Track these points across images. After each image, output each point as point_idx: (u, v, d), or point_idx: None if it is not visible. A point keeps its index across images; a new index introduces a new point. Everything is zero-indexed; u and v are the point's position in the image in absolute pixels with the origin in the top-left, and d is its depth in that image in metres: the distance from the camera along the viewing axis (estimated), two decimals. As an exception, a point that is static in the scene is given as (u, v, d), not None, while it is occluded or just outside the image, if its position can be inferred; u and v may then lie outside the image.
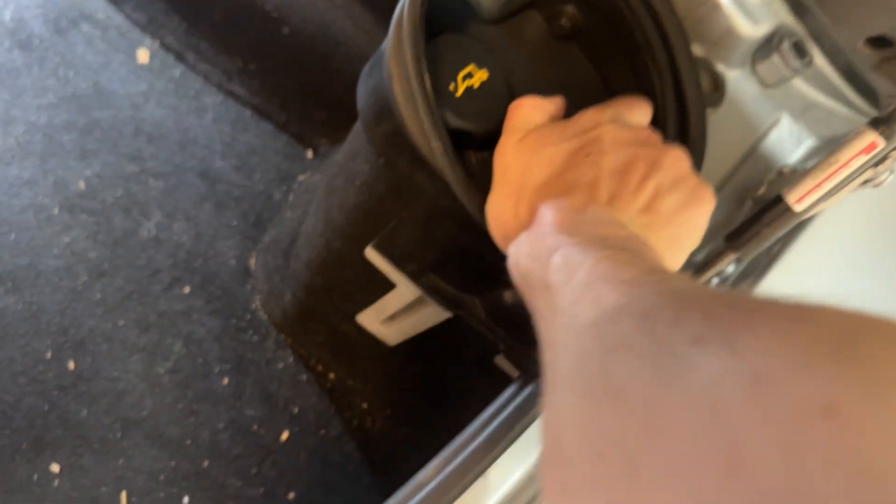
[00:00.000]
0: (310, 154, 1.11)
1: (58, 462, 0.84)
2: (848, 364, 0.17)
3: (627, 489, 0.20)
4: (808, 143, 0.77)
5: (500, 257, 0.72)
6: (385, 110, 0.63)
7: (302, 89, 1.06)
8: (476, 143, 0.64)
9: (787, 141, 0.77)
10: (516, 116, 0.56)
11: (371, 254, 0.81)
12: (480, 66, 0.64)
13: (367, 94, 0.68)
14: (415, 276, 0.81)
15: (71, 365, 0.88)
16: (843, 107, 0.75)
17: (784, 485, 0.15)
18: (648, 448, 0.20)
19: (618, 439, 0.21)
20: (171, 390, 0.92)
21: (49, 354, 0.87)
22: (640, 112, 0.58)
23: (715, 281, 0.72)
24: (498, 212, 0.53)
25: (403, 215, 0.75)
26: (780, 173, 0.75)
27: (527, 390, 0.70)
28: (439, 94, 0.60)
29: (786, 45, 0.68)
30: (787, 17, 0.69)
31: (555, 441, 0.26)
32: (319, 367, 1.01)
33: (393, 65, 0.58)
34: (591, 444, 0.23)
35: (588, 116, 0.53)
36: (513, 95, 0.61)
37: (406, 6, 0.57)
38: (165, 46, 1.06)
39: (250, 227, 1.04)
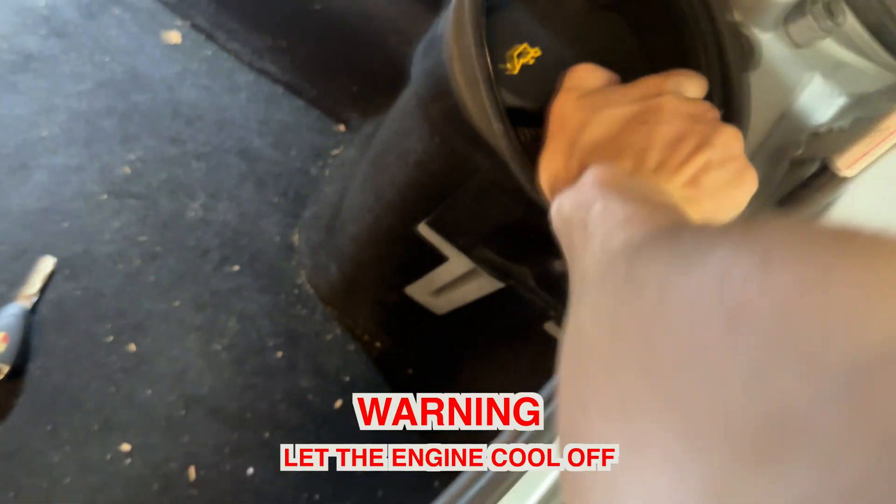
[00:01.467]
0: (342, 128, 1.12)
1: (128, 441, 0.87)
2: (848, 247, 0.19)
3: (643, 367, 0.21)
4: (839, 101, 0.78)
5: (550, 229, 0.74)
6: (444, 91, 0.64)
7: (332, 64, 1.07)
8: (527, 119, 0.65)
9: (820, 100, 0.78)
10: (574, 77, 0.57)
11: (424, 230, 0.83)
12: (533, 43, 0.65)
13: (423, 75, 0.69)
14: (467, 250, 0.83)
15: (132, 347, 0.91)
16: (873, 65, 0.77)
17: (777, 341, 0.17)
18: (661, 324, 0.21)
19: (634, 322, 0.23)
20: (228, 366, 0.95)
21: (110, 338, 0.90)
22: (697, 85, 0.59)
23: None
24: (549, 163, 0.53)
25: (457, 193, 0.77)
26: (816, 133, 0.77)
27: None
28: (494, 74, 0.61)
29: (818, 6, 0.69)
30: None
31: (575, 338, 0.28)
32: (366, 337, 1.04)
33: (454, 46, 0.59)
34: (610, 330, 0.25)
35: (651, 83, 0.53)
36: (566, 69, 0.62)
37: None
38: (195, 27, 1.06)
39: (290, 204, 1.06)
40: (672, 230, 0.29)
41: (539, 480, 0.60)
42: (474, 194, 0.76)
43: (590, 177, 0.45)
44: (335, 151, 1.09)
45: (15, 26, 0.95)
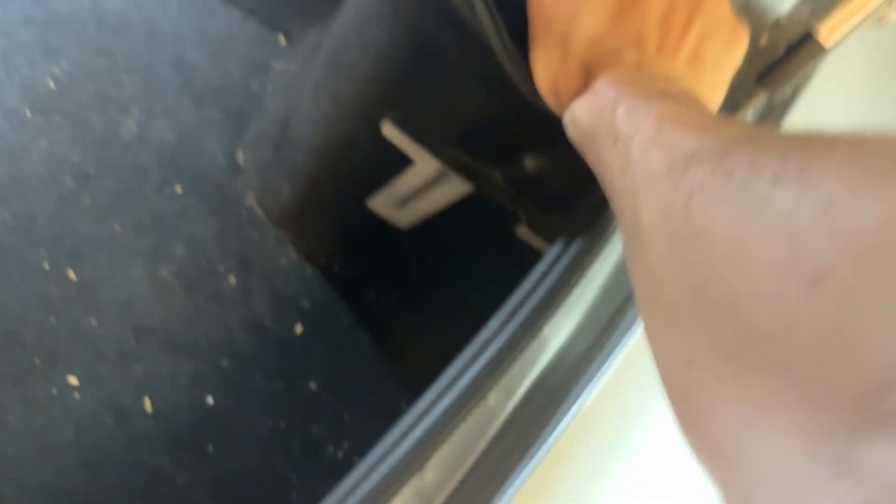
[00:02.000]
0: (282, 40, 1.05)
1: (74, 375, 0.81)
2: None
3: (726, 318, 0.22)
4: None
5: (525, 123, 0.71)
6: None
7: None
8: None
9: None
10: None
11: (389, 131, 0.78)
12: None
13: None
14: (436, 151, 0.79)
15: (71, 274, 0.83)
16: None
17: (854, 291, 0.17)
18: (740, 279, 0.22)
19: (712, 275, 0.23)
20: (178, 293, 0.89)
21: (47, 266, 0.82)
22: None
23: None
24: (544, 64, 0.49)
25: (427, 83, 0.73)
26: (778, 24, 0.76)
27: (572, 250, 0.70)
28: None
29: None
30: None
31: (653, 287, 0.28)
32: (323, 260, 0.99)
33: None
34: (690, 283, 0.25)
35: None
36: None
37: None
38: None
39: (233, 121, 0.99)
40: (716, 156, 0.27)
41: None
42: (446, 85, 0.72)
43: (602, 82, 0.42)
44: (277, 64, 1.02)
45: None
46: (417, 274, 0.97)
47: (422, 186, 0.84)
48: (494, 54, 0.54)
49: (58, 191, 0.85)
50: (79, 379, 0.81)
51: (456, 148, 0.81)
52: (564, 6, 0.49)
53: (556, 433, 0.55)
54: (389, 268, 0.99)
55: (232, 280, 0.92)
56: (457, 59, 0.67)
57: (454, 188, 0.83)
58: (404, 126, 0.77)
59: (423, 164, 0.80)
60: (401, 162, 0.81)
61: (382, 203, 0.88)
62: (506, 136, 0.77)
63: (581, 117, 0.42)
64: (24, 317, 0.80)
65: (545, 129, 0.71)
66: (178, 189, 0.92)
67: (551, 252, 0.73)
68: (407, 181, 0.84)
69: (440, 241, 0.93)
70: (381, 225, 0.90)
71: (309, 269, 0.98)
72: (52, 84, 0.87)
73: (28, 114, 0.85)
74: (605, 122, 0.38)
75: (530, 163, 0.81)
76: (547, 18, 0.49)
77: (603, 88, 0.42)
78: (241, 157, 0.98)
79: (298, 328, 0.95)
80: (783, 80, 0.70)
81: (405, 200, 0.87)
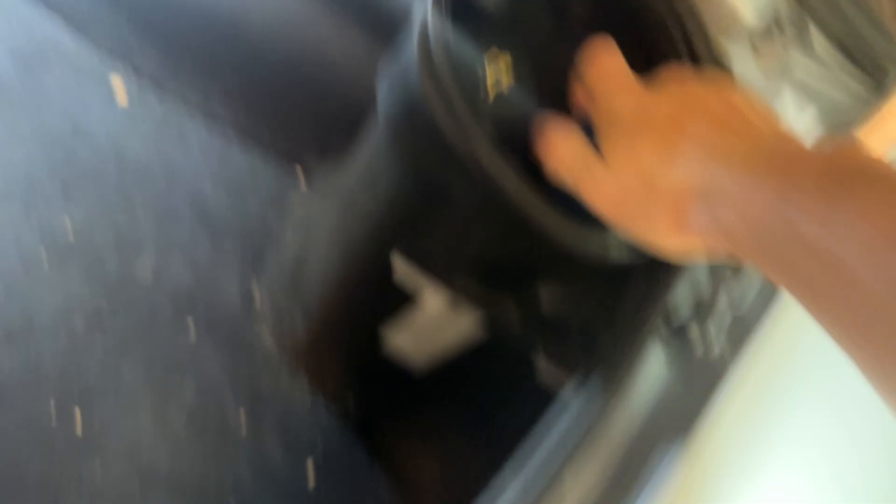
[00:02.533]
0: (301, 175, 1.06)
1: (75, 524, 0.77)
2: None
3: None
4: (810, 111, 0.77)
5: (537, 257, 0.69)
6: (417, 123, 0.59)
7: (287, 107, 1.02)
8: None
9: (791, 110, 0.77)
10: (601, 70, 0.50)
11: (398, 263, 0.77)
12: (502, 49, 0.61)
13: (391, 109, 0.64)
14: (445, 281, 0.77)
15: (77, 416, 0.81)
16: (840, 75, 0.77)
17: None
18: None
19: None
20: (187, 435, 0.86)
21: (52, 407, 0.80)
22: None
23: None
24: (644, 224, 0.44)
25: (431, 222, 0.72)
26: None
27: (592, 386, 0.66)
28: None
29: (786, 24, 0.69)
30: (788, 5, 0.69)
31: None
32: (338, 401, 0.96)
33: (426, 84, 0.54)
34: None
35: (670, 74, 0.49)
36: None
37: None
38: (141, 76, 1.01)
39: (249, 256, 0.99)
40: None
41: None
42: (452, 223, 0.71)
43: (747, 180, 0.37)
44: (296, 199, 1.03)
45: (-57, 78, 0.88)
46: (434, 419, 0.93)
47: (434, 320, 0.82)
48: (504, 196, 0.53)
49: (68, 331, 0.84)
50: (79, 529, 0.77)
51: (466, 277, 0.79)
52: (662, 108, 0.44)
53: None
54: (407, 412, 0.95)
55: (243, 421, 0.89)
56: (461, 200, 0.66)
57: (468, 322, 0.80)
58: (413, 259, 0.76)
59: (431, 297, 0.78)
60: (409, 295, 0.79)
61: (395, 337, 0.86)
62: (518, 267, 0.75)
63: (734, 227, 0.37)
64: (27, 460, 0.77)
65: (560, 262, 0.69)
66: (192, 326, 0.91)
67: (571, 389, 0.70)
68: (419, 314, 0.82)
69: (456, 386, 0.90)
70: (395, 366, 0.88)
71: (323, 409, 0.95)
72: (69, 226, 0.88)
73: (43, 254, 0.86)
74: (781, 229, 0.33)
75: (546, 294, 0.79)
76: (640, 122, 0.44)
77: (753, 190, 0.36)
78: (256, 291, 0.97)
79: (311, 476, 0.90)
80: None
81: (419, 335, 0.85)
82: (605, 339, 0.72)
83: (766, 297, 0.69)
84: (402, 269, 0.77)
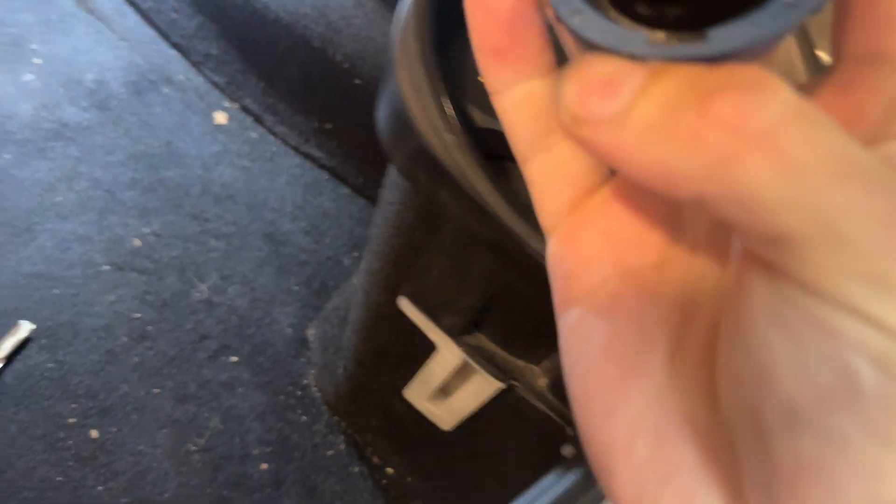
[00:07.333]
0: (389, 220, 1.00)
1: (61, 544, 0.74)
2: None
3: None
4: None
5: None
6: (400, 121, 0.53)
7: (380, 150, 0.97)
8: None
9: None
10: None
11: (404, 304, 0.67)
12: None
13: (384, 109, 0.58)
14: (454, 332, 0.66)
15: (94, 433, 0.79)
16: None
17: None
18: None
19: None
20: (199, 471, 0.80)
21: (73, 420, 0.79)
22: None
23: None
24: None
25: (432, 248, 0.62)
26: None
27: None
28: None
29: None
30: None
31: None
32: (375, 459, 0.86)
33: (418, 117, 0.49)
34: None
35: None
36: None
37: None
38: (244, 109, 1.02)
39: (313, 295, 0.93)
40: None
41: None
42: (450, 251, 0.61)
43: None
44: (372, 242, 0.96)
45: (58, 97, 0.95)
46: (464, 484, 0.80)
47: (451, 379, 0.70)
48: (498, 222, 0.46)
49: (108, 345, 0.83)
50: (62, 550, 0.74)
51: (477, 332, 0.67)
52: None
53: None
54: (439, 476, 0.83)
55: (264, 466, 0.82)
56: (456, 219, 0.56)
57: (486, 386, 0.67)
58: (416, 298, 0.66)
59: (446, 350, 0.67)
60: (426, 345, 0.68)
61: (417, 395, 0.75)
62: (539, 324, 0.62)
63: None
64: (32, 470, 0.76)
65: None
66: (234, 359, 0.87)
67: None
68: (434, 370, 0.70)
69: (483, 448, 0.77)
70: (426, 423, 0.77)
71: (357, 466, 0.85)
72: (138, 242, 0.89)
73: (105, 267, 0.87)
74: None
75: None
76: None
77: None
78: (311, 332, 0.91)
79: (328, 538, 0.81)
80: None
81: (438, 394, 0.73)
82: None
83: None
84: (409, 311, 0.67)
